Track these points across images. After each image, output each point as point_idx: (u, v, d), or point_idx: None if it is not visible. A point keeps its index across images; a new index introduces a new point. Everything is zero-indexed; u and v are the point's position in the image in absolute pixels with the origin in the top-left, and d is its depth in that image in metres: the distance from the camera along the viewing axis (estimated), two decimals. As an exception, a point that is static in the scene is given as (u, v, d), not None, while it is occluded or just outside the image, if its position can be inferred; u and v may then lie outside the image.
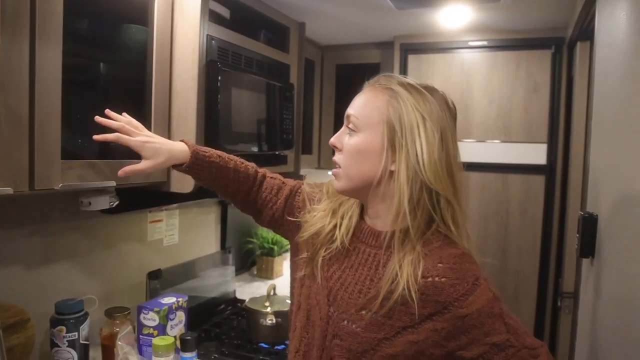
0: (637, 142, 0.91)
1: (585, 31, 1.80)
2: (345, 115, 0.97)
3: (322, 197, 1.07)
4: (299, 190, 1.13)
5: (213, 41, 1.52)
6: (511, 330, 0.89)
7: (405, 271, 0.87)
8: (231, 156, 1.15)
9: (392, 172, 0.91)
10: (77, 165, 1.16)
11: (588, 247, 1.08)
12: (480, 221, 2.28)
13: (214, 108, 1.50)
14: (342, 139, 0.96)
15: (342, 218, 1.00)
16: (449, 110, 0.96)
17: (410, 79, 0.96)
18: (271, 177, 1.18)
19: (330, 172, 1.00)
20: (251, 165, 1.17)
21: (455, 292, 0.86)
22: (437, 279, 0.87)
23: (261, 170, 1.19)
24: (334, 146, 0.98)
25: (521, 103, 2.18)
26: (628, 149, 0.95)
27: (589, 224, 1.08)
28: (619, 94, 1.02)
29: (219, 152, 1.13)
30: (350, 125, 0.94)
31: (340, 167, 0.96)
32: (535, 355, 0.91)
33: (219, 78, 1.49)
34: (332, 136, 0.99)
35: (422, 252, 0.89)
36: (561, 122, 2.11)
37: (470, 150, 2.27)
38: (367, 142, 0.92)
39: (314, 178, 2.21)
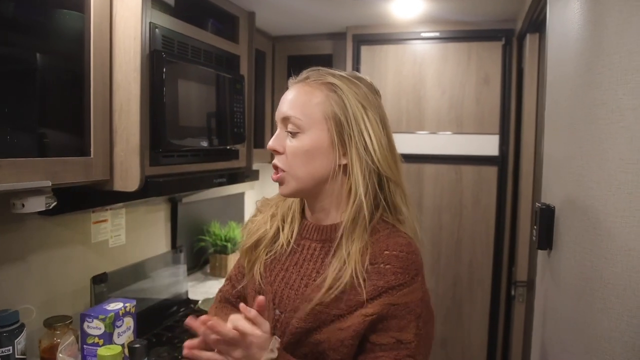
0: (591, 132, 0.91)
1: (535, 23, 1.82)
2: (282, 117, 0.94)
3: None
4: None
5: (157, 29, 1.43)
6: (417, 337, 0.88)
7: (353, 258, 0.89)
8: None
9: (343, 166, 0.93)
10: (5, 164, 1.05)
11: (545, 238, 1.08)
12: (434, 212, 2.29)
13: (160, 101, 1.41)
14: (282, 141, 0.94)
15: (283, 220, 1.01)
16: (379, 96, 0.99)
17: (337, 70, 0.97)
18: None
19: (273, 176, 0.96)
20: None
21: (395, 280, 0.88)
22: (382, 265, 0.89)
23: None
24: (275, 150, 0.94)
25: (473, 94, 2.20)
26: (582, 139, 0.95)
27: (546, 216, 1.08)
28: (573, 84, 1.02)
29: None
30: (291, 127, 0.92)
31: (284, 170, 0.93)
32: None
33: (164, 69, 1.40)
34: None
35: (369, 240, 0.91)
36: (512, 114, 2.15)
37: (423, 142, 2.27)
38: (314, 141, 0.91)
39: (267, 172, 2.15)
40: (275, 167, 0.95)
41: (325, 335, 0.89)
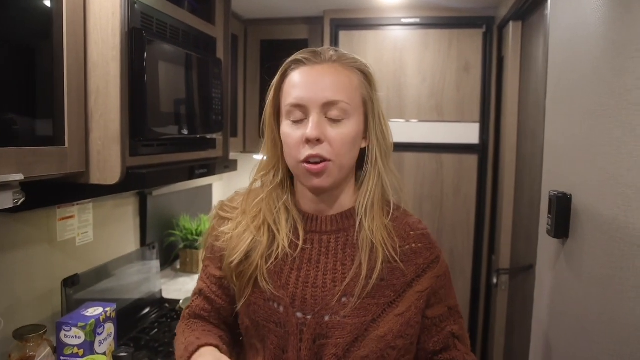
0: (621, 118, 0.88)
1: (520, 10, 1.81)
2: (324, 102, 0.84)
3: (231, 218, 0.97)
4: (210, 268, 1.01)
5: (136, 5, 1.29)
6: (456, 299, 0.98)
7: (378, 237, 0.88)
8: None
9: (362, 149, 0.91)
10: (-30, 155, 0.91)
11: (562, 227, 1.05)
12: (415, 201, 2.27)
13: (141, 84, 1.28)
14: (325, 129, 0.84)
15: (274, 222, 0.92)
16: None
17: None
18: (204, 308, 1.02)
19: (311, 167, 0.84)
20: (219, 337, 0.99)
21: (431, 255, 0.93)
22: (413, 245, 0.92)
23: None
24: (319, 140, 0.83)
25: (453, 82, 2.18)
26: (610, 126, 0.92)
27: (563, 204, 1.05)
28: (594, 69, 0.99)
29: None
30: (336, 113, 0.84)
31: (330, 160, 0.84)
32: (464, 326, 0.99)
33: (145, 49, 1.27)
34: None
35: (387, 222, 0.91)
36: (492, 102, 2.14)
37: (404, 131, 2.24)
38: (358, 126, 0.87)
39: (241, 163, 2.04)
40: (317, 158, 0.84)
41: (387, 327, 0.86)
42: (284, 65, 0.90)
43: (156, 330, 1.74)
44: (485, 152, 2.18)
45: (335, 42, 2.25)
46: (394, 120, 2.25)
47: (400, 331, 0.87)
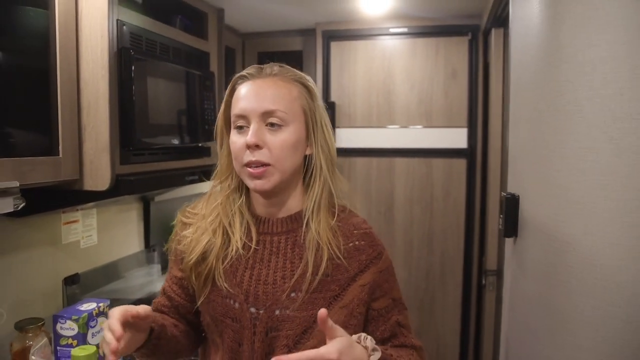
0: (552, 123, 0.95)
1: (499, 18, 1.87)
2: (263, 112, 0.92)
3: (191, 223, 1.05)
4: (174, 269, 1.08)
5: (124, 27, 1.41)
6: (401, 293, 1.05)
7: (325, 241, 0.95)
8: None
9: (308, 156, 0.99)
10: (-31, 165, 1.03)
11: (511, 227, 1.12)
12: (405, 205, 2.33)
13: (129, 99, 1.40)
14: (264, 136, 0.92)
15: (230, 225, 0.99)
16: None
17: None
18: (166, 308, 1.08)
19: (253, 171, 0.92)
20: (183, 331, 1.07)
21: (373, 251, 0.99)
22: (357, 242, 0.99)
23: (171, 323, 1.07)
24: (257, 145, 0.91)
25: (441, 89, 2.24)
26: (545, 130, 0.99)
27: (511, 205, 1.12)
28: (535, 77, 1.06)
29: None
30: (276, 120, 0.92)
31: (269, 164, 0.92)
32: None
33: (133, 66, 1.39)
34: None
35: (332, 222, 0.97)
36: (479, 107, 2.20)
37: (394, 137, 2.31)
38: (297, 133, 0.94)
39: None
40: (257, 163, 0.91)
41: (333, 319, 0.89)
42: (232, 81, 0.99)
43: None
44: (473, 156, 2.24)
45: (327, 52, 2.34)
46: (384, 127, 2.33)
47: (344, 322, 0.93)
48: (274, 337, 0.94)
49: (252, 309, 0.96)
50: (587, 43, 0.88)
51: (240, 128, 0.94)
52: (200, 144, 1.83)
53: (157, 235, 2.27)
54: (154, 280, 2.13)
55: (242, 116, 0.93)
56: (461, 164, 2.26)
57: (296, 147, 0.94)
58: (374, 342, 0.87)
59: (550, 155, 0.96)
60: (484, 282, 2.10)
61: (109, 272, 1.87)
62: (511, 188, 1.23)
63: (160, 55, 1.60)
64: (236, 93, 0.96)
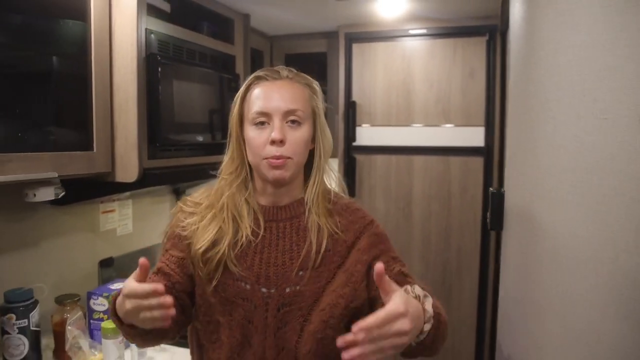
0: (526, 122, 1.02)
1: (507, 19, 1.91)
2: (285, 111, 1.02)
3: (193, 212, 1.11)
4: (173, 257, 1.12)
5: (152, 35, 1.56)
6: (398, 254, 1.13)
7: (323, 221, 1.06)
8: None
9: (310, 150, 1.10)
10: (15, 158, 1.20)
11: (497, 220, 1.19)
12: (423, 201, 2.40)
13: (155, 100, 1.55)
14: (286, 132, 1.02)
15: (238, 215, 1.07)
16: None
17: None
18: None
19: (274, 161, 1.01)
20: None
21: (364, 220, 1.11)
22: (350, 217, 1.11)
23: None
24: (282, 141, 1.01)
25: (459, 88, 2.29)
26: (521, 129, 1.06)
27: (497, 200, 1.19)
28: (517, 79, 1.12)
29: None
30: (296, 118, 1.03)
31: (290, 157, 1.02)
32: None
33: (159, 70, 1.54)
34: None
35: (329, 206, 1.10)
36: (497, 106, 2.24)
37: (413, 135, 2.38)
38: (309, 130, 1.06)
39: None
40: (280, 157, 1.01)
41: (336, 283, 1.04)
42: (247, 81, 1.08)
43: (182, 309, 2.01)
44: (490, 154, 2.27)
45: (349, 54, 2.43)
46: (403, 125, 2.40)
47: (346, 281, 1.04)
48: (286, 312, 1.04)
49: (263, 289, 1.05)
50: (557, 47, 0.95)
51: (261, 124, 1.02)
52: (223, 141, 1.97)
53: (188, 226, 2.44)
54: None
55: (264, 114, 1.02)
56: (478, 161, 2.30)
57: (308, 143, 1.06)
58: (420, 288, 0.92)
59: (524, 154, 1.03)
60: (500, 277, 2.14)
61: (141, 256, 2.04)
62: (503, 185, 1.29)
63: (186, 60, 1.75)
64: (253, 92, 1.05)
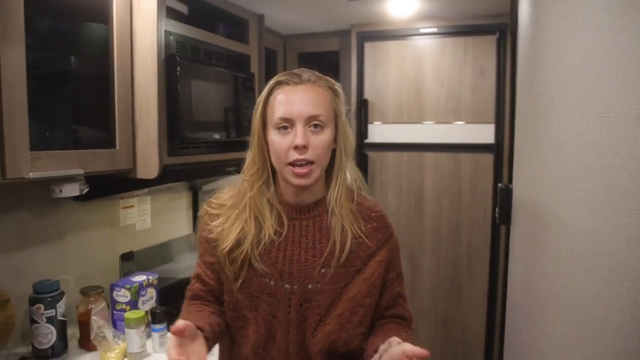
0: (531, 120, 1.06)
1: (516, 18, 1.94)
2: (308, 116, 1.03)
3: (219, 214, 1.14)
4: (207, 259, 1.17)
5: (171, 36, 1.62)
6: (401, 266, 1.18)
7: (347, 220, 1.09)
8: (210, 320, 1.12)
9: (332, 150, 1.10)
10: (45, 156, 1.27)
11: (505, 215, 1.23)
12: (434, 198, 2.44)
13: (174, 99, 1.61)
14: (309, 137, 1.03)
15: (260, 214, 1.10)
16: None
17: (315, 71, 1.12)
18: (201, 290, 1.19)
19: (299, 171, 1.03)
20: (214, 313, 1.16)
21: (387, 232, 1.14)
22: (375, 224, 1.13)
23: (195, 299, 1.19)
24: (305, 146, 1.02)
25: (469, 86, 2.33)
26: (527, 127, 1.10)
27: (505, 195, 1.23)
28: (523, 79, 1.16)
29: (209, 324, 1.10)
30: (319, 123, 1.04)
31: (314, 162, 1.03)
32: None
33: (178, 70, 1.60)
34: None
35: (352, 207, 1.11)
36: (507, 103, 2.27)
37: (424, 132, 2.42)
38: (332, 133, 1.07)
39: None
40: (303, 161, 1.02)
41: (356, 290, 1.07)
42: (269, 85, 1.08)
43: (199, 302, 2.07)
44: (500, 151, 2.30)
45: (361, 52, 2.48)
46: (414, 123, 2.44)
47: (367, 292, 1.08)
48: (307, 308, 1.07)
49: (287, 285, 1.08)
50: (561, 48, 0.98)
51: (284, 129, 1.03)
52: (239, 139, 2.03)
53: (204, 221, 2.50)
54: (201, 262, 2.36)
55: (287, 119, 1.03)
56: (488, 158, 2.33)
57: (330, 145, 1.07)
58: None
59: (529, 151, 1.07)
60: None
61: (160, 252, 2.11)
62: (512, 180, 1.33)
63: (203, 60, 1.81)
64: (275, 96, 1.06)
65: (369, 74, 2.50)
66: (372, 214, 1.14)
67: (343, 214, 1.09)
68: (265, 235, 1.09)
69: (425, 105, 2.41)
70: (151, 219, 2.14)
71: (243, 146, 2.07)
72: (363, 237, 1.09)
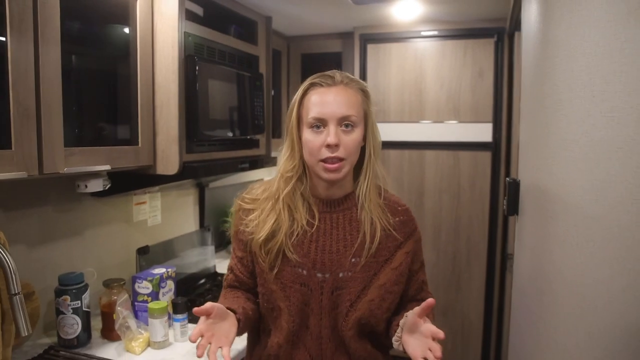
0: (541, 119, 1.15)
1: (518, 23, 2.04)
2: (341, 116, 1.09)
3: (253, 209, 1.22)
4: (243, 245, 1.24)
5: (190, 37, 1.69)
6: (422, 255, 1.27)
7: (375, 214, 1.16)
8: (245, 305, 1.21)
9: (361, 148, 1.16)
10: (77, 152, 1.33)
11: (513, 206, 1.32)
12: (434, 194, 2.53)
13: (193, 98, 1.67)
14: (340, 136, 1.09)
15: (294, 207, 1.17)
16: None
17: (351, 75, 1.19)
18: (238, 277, 1.27)
19: (329, 166, 1.10)
20: (248, 299, 1.25)
21: (412, 225, 1.22)
22: (402, 217, 1.21)
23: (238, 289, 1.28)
24: (337, 145, 1.09)
25: (468, 87, 2.43)
26: (536, 125, 1.19)
27: (513, 188, 1.32)
28: (532, 79, 1.25)
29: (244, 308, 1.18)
30: (350, 123, 1.10)
31: (344, 159, 1.10)
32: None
33: (197, 71, 1.67)
34: None
35: (379, 201, 1.18)
36: (504, 103, 2.37)
37: (424, 131, 2.51)
38: (362, 132, 1.14)
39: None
40: (335, 159, 1.09)
41: (385, 278, 1.15)
42: (303, 86, 1.15)
43: (210, 295, 2.13)
44: (497, 149, 2.41)
45: (363, 54, 2.57)
46: (416, 122, 2.54)
47: (395, 280, 1.16)
48: (338, 295, 1.14)
49: (319, 274, 1.15)
50: (569, 54, 1.08)
51: (317, 127, 1.10)
52: (249, 137, 2.10)
53: (210, 217, 2.57)
54: (209, 259, 2.42)
55: (320, 119, 1.10)
56: (486, 156, 2.44)
57: (360, 143, 1.14)
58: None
59: (539, 147, 1.16)
60: (506, 265, 2.27)
61: (171, 247, 2.17)
62: (517, 175, 1.42)
63: (218, 61, 1.87)
64: (309, 97, 1.13)
65: (371, 75, 2.59)
66: (399, 208, 1.22)
67: (372, 207, 1.17)
68: (298, 227, 1.17)
69: (425, 105, 2.51)
70: (161, 215, 2.20)
71: (254, 144, 2.16)
72: (391, 229, 1.17)
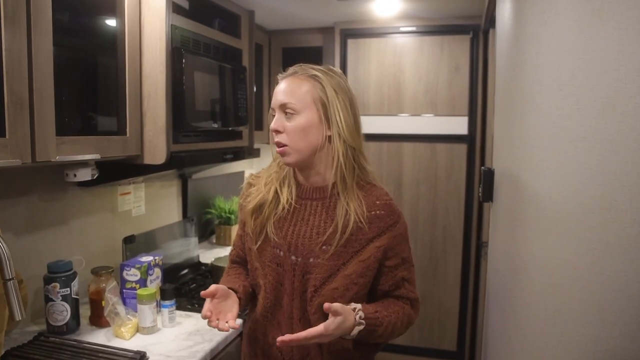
0: (513, 112, 1.23)
1: (493, 20, 2.13)
2: (280, 104, 1.18)
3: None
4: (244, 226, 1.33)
5: (176, 30, 1.72)
6: (410, 252, 1.29)
7: (352, 207, 1.19)
8: (241, 281, 1.31)
9: (328, 137, 1.18)
10: (67, 141, 1.35)
11: (488, 193, 1.40)
12: (412, 185, 2.62)
13: (180, 89, 1.71)
14: (283, 123, 1.18)
15: (280, 186, 1.26)
16: (347, 82, 1.24)
17: (317, 65, 1.23)
18: (238, 256, 1.39)
19: (278, 150, 1.19)
20: (241, 276, 1.35)
21: (390, 220, 1.22)
22: (378, 212, 1.21)
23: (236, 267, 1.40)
24: (276, 130, 1.18)
25: (445, 81, 2.52)
26: (509, 118, 1.27)
27: (488, 176, 1.40)
28: (505, 75, 1.34)
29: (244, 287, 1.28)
30: (289, 111, 1.17)
31: (287, 145, 1.17)
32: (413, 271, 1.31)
33: (184, 63, 1.70)
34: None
35: (359, 194, 1.21)
36: (479, 97, 2.47)
37: (403, 124, 2.60)
38: (307, 119, 1.17)
39: (265, 152, 2.46)
40: (279, 144, 1.18)
41: (352, 269, 1.19)
42: (276, 79, 1.24)
43: (194, 284, 2.17)
44: (473, 141, 2.51)
45: (344, 48, 2.63)
46: (394, 115, 2.62)
47: (361, 272, 1.19)
48: (307, 279, 1.20)
49: (293, 257, 1.22)
50: (538, 50, 1.16)
51: (273, 116, 1.22)
52: (233, 128, 2.14)
53: (193, 208, 2.60)
54: (192, 249, 2.45)
55: (272, 108, 1.22)
56: (462, 148, 2.54)
57: (307, 131, 1.16)
58: (363, 316, 1.13)
59: (514, 136, 1.24)
60: (481, 253, 2.38)
61: (155, 237, 2.20)
62: (491, 164, 1.51)
63: (203, 53, 1.91)
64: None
65: (351, 69, 2.66)
66: (377, 202, 1.22)
67: (348, 200, 1.20)
68: (280, 207, 1.24)
69: (404, 98, 2.59)
70: (145, 205, 2.23)
71: (237, 135, 2.20)
72: (364, 222, 1.18)
